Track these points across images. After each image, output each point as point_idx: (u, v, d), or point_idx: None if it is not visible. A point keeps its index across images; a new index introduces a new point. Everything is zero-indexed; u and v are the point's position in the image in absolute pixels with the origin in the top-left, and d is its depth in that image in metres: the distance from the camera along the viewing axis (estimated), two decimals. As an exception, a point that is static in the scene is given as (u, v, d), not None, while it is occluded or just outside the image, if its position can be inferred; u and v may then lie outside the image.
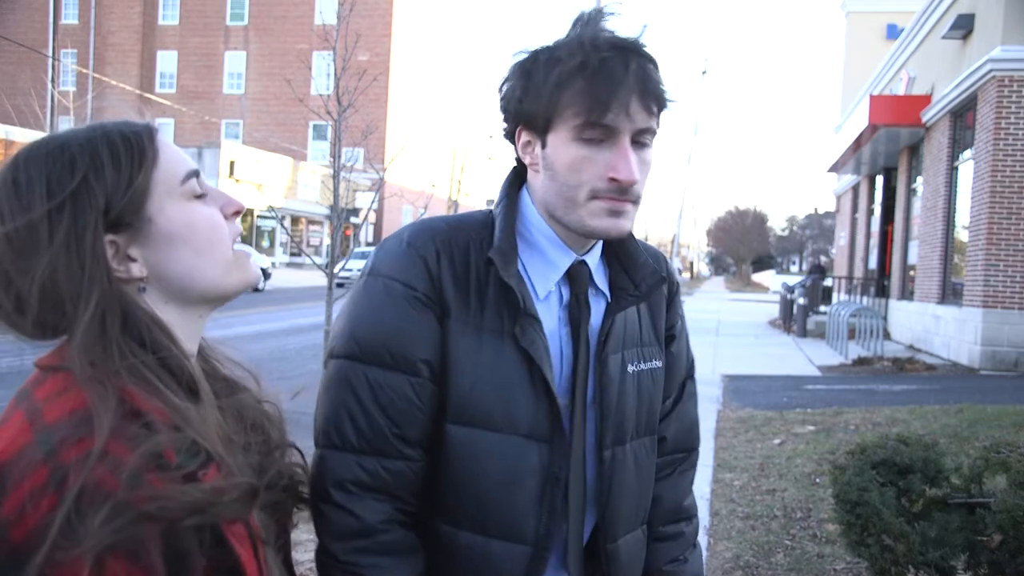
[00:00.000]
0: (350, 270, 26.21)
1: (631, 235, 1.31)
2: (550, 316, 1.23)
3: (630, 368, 1.28)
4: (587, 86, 1.12)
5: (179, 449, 0.81)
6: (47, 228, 0.85)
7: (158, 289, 0.93)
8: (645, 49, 1.18)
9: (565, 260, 1.23)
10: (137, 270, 0.90)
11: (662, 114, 1.20)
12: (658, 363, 1.34)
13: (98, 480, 0.74)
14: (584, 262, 1.25)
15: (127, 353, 0.85)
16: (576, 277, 1.24)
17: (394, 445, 1.17)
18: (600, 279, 1.29)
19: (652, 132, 1.18)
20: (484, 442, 1.17)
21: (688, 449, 1.44)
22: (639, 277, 1.28)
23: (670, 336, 1.41)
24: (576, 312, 1.24)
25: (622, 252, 1.30)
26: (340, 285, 5.14)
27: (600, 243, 1.29)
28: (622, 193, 1.15)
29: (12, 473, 0.76)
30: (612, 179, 1.14)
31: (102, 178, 0.88)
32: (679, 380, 1.43)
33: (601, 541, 1.27)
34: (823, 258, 57.01)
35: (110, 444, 0.77)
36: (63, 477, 0.74)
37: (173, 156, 0.94)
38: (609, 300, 1.28)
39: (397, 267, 1.19)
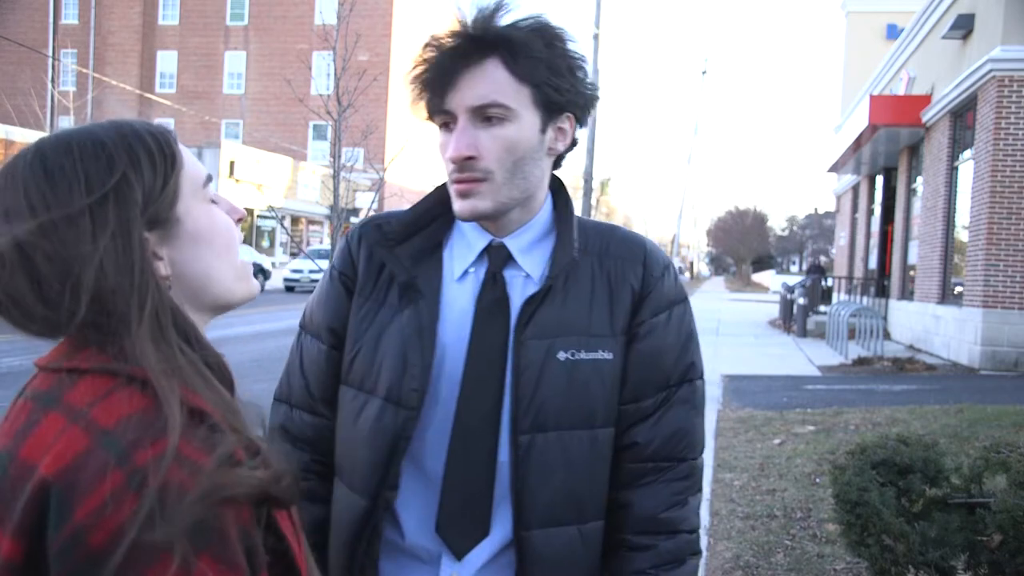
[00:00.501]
0: (300, 271, 26.12)
1: (569, 219, 1.31)
2: (465, 296, 1.29)
3: (561, 355, 1.25)
4: (424, 76, 1.23)
5: (244, 448, 0.82)
6: (89, 224, 0.83)
7: (177, 290, 0.92)
8: (495, 27, 1.22)
9: (481, 242, 1.30)
10: (163, 269, 0.90)
11: (524, 84, 1.22)
12: (606, 355, 1.27)
13: (180, 481, 0.74)
14: (504, 244, 1.29)
15: (184, 351, 0.85)
16: (492, 258, 1.30)
17: (309, 401, 1.36)
18: (534, 263, 1.30)
19: (498, 106, 1.20)
20: (358, 402, 1.30)
21: (673, 459, 1.31)
22: (556, 262, 1.27)
23: (636, 333, 1.31)
24: (489, 292, 1.28)
25: (558, 237, 1.31)
26: (290, 289, 5.18)
27: (536, 225, 1.31)
28: (462, 171, 1.22)
29: (80, 479, 0.74)
30: (449, 159, 1.23)
31: (140, 176, 0.87)
32: (656, 382, 1.31)
33: (514, 526, 1.25)
34: (823, 258, 56.95)
35: (182, 446, 0.76)
36: (142, 480, 0.73)
37: (193, 159, 0.95)
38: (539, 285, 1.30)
39: (335, 251, 1.41)
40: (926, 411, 7.41)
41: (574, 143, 1.33)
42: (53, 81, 23.09)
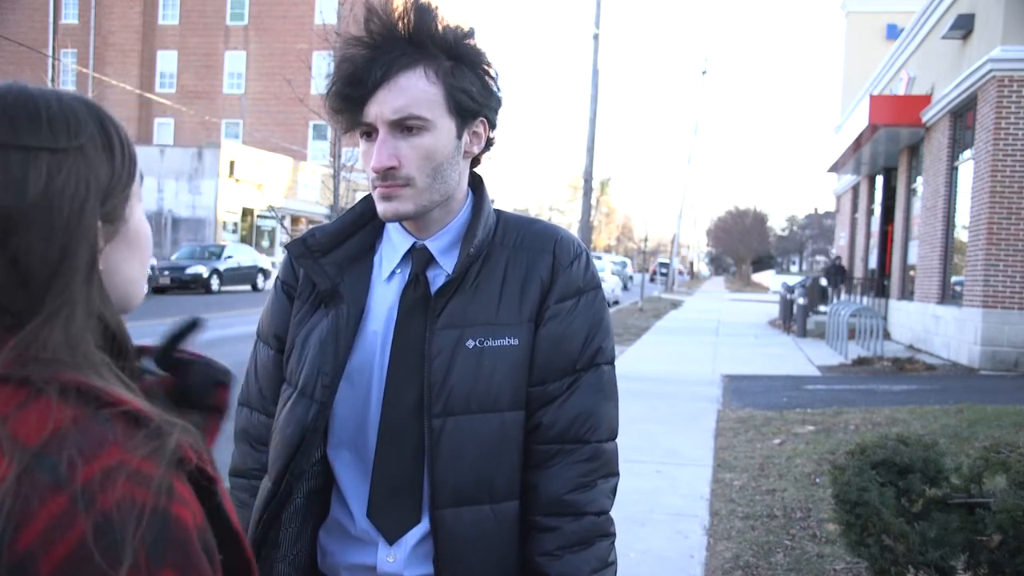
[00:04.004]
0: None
1: (476, 220, 1.38)
2: (392, 295, 1.38)
3: (470, 343, 1.32)
4: (339, 90, 1.29)
5: (192, 447, 0.74)
6: (43, 172, 0.73)
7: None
8: (407, 41, 1.28)
9: (405, 245, 1.39)
10: (100, 263, 0.80)
11: (441, 92, 1.28)
12: (512, 341, 1.34)
13: (130, 495, 0.67)
14: (425, 246, 1.37)
15: (105, 352, 0.76)
16: (415, 260, 1.38)
17: (263, 403, 1.46)
18: (454, 262, 1.37)
19: (416, 118, 1.27)
20: (285, 394, 1.40)
21: (577, 441, 1.35)
22: (460, 259, 1.35)
23: (542, 318, 1.36)
24: (411, 290, 1.36)
25: (465, 236, 1.38)
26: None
27: (456, 227, 1.39)
28: (385, 179, 1.29)
29: (16, 506, 0.65)
30: (372, 168, 1.29)
31: (110, 157, 0.79)
32: (561, 366, 1.36)
33: (429, 505, 1.32)
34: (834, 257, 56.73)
35: (125, 456, 0.69)
36: (89, 499, 0.66)
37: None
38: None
39: (280, 264, 1.50)
40: (926, 411, 7.41)
41: (490, 143, 1.41)
42: (53, 81, 23.06)
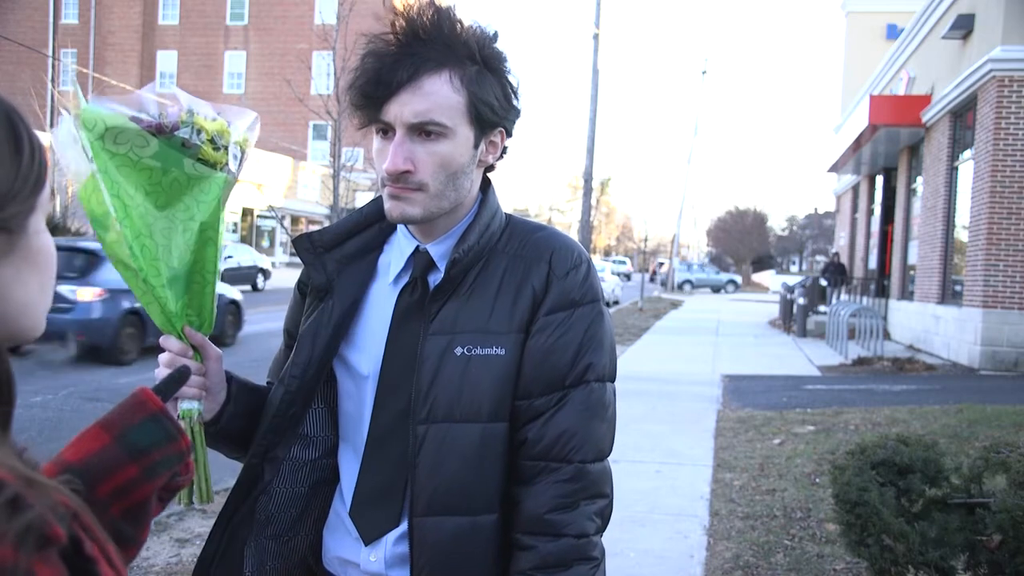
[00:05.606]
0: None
1: (472, 225, 1.36)
2: (394, 297, 1.38)
3: (458, 351, 1.30)
4: (362, 87, 1.27)
5: (59, 517, 0.62)
6: None
7: None
8: (425, 37, 1.26)
9: (409, 248, 1.39)
10: None
11: (464, 101, 1.27)
12: (499, 350, 1.30)
13: None
14: (427, 250, 1.37)
15: None
16: (416, 263, 1.37)
17: None
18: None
19: (435, 124, 1.26)
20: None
21: (561, 460, 1.30)
22: (448, 263, 1.33)
23: (530, 330, 1.32)
24: (408, 294, 1.36)
25: (459, 240, 1.36)
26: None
27: (459, 232, 1.37)
28: (397, 181, 1.28)
29: None
30: (385, 170, 1.28)
31: (16, 160, 0.71)
32: (548, 381, 1.31)
33: (408, 512, 1.32)
34: (835, 253, 56.72)
35: None
36: None
37: None
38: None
39: None
40: (926, 411, 7.41)
41: (504, 152, 1.39)
42: (53, 81, 23.08)
